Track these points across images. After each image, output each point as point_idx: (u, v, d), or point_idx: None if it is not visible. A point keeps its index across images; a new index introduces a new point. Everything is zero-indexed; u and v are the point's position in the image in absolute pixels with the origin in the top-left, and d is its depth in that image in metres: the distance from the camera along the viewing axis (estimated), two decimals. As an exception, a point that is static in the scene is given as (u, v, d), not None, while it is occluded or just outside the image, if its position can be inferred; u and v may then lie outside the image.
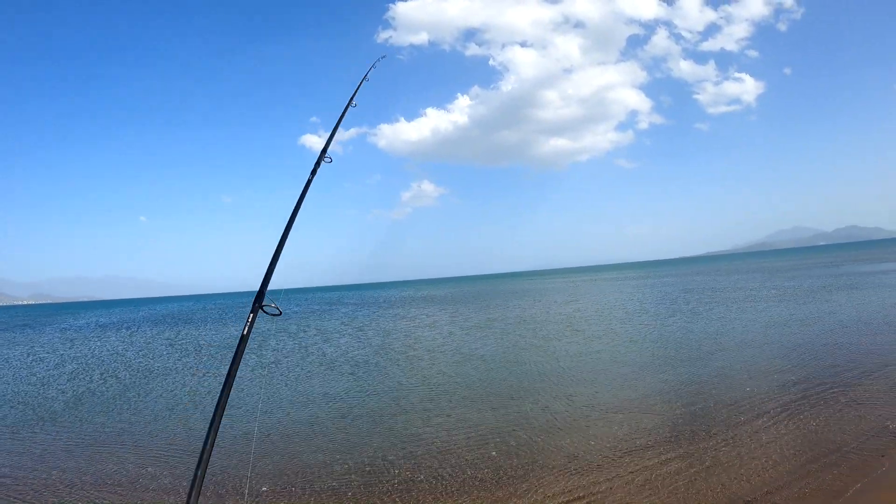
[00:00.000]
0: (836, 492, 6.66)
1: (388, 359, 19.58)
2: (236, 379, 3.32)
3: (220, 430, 3.21)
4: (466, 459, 8.73)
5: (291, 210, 4.11)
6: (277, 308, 3.51)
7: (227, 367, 3.25)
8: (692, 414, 10.30)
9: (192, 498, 2.99)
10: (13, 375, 21.30)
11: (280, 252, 3.77)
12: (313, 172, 4.44)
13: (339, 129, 4.95)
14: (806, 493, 6.68)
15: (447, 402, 12.77)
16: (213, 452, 3.11)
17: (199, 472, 3.03)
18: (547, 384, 13.81)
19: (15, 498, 8.40)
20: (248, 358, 21.67)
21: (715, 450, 8.31)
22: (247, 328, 3.38)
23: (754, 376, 12.89)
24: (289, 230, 3.92)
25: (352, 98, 5.43)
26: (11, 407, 15.28)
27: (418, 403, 12.76)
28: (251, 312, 3.45)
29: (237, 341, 3.32)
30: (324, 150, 4.57)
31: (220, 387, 3.21)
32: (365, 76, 5.91)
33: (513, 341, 22.20)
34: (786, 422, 9.33)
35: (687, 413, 10.39)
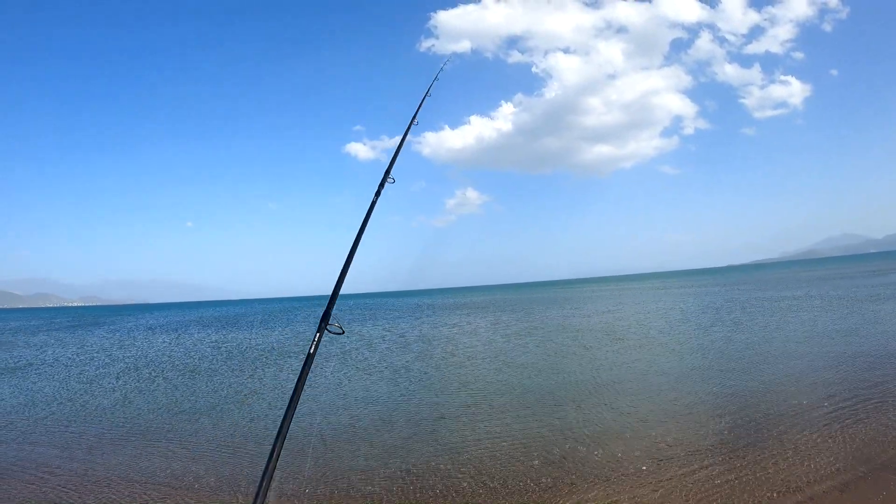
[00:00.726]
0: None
1: (431, 365, 19.83)
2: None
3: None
4: (510, 467, 8.84)
5: (357, 231, 4.14)
6: (341, 328, 3.64)
7: (294, 383, 3.36)
8: (736, 425, 10.19)
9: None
10: (65, 374, 22.22)
11: (346, 273, 3.86)
12: (377, 194, 4.43)
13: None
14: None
15: (490, 409, 12.88)
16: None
17: (264, 481, 3.05)
18: (589, 393, 13.81)
19: (64, 488, 8.85)
20: (294, 363, 22.11)
21: (759, 462, 8.22)
22: (313, 347, 3.50)
23: (801, 388, 12.66)
24: (354, 250, 3.97)
25: (414, 116, 5.38)
26: (61, 403, 16.06)
27: (462, 410, 12.91)
28: (317, 332, 3.57)
29: (303, 357, 3.44)
30: (387, 171, 4.57)
31: (287, 402, 3.31)
32: (427, 92, 5.83)
33: (554, 349, 22.18)
34: (833, 435, 9.15)
35: (731, 424, 10.28)
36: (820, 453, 8.40)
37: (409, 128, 5.25)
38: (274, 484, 8.86)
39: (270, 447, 3.16)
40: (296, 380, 3.39)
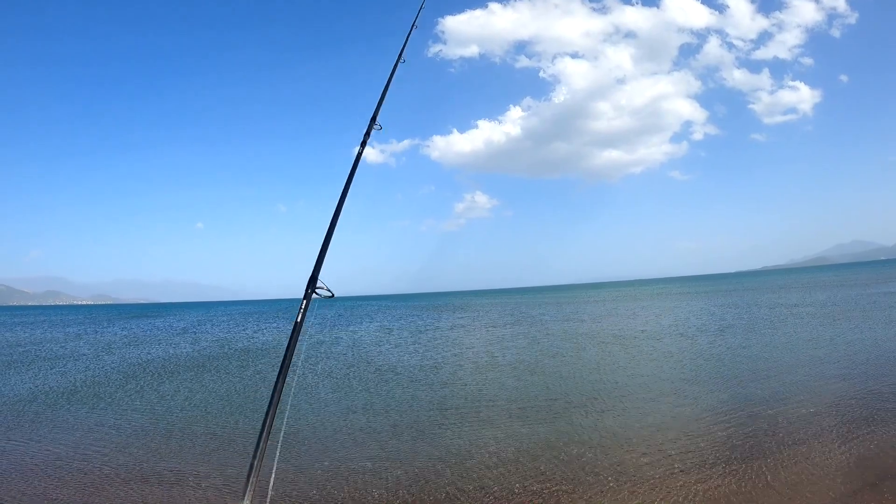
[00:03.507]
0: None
1: (439, 369, 19.73)
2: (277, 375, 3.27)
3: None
4: (516, 472, 8.76)
5: (340, 193, 3.95)
6: (329, 290, 3.41)
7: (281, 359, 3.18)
8: (746, 433, 10.05)
9: (248, 491, 2.94)
10: (84, 366, 22.09)
11: (332, 234, 3.65)
12: (363, 143, 4.25)
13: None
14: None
15: (497, 413, 12.81)
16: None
17: (255, 463, 2.98)
18: (597, 398, 13.68)
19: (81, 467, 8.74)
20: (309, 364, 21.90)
21: (768, 470, 8.12)
22: (300, 315, 3.30)
23: (811, 397, 12.52)
24: (341, 207, 3.76)
25: (401, 53, 5.06)
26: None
27: (468, 414, 12.84)
28: (304, 299, 3.35)
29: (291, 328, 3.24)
30: (373, 117, 4.38)
31: (275, 378, 3.14)
32: (414, 24, 5.47)
33: (563, 354, 22.05)
34: (842, 444, 9.03)
35: (740, 432, 10.14)
36: (828, 462, 8.29)
37: (395, 66, 4.93)
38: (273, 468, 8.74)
39: (261, 424, 3.01)
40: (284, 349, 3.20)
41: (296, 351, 3.25)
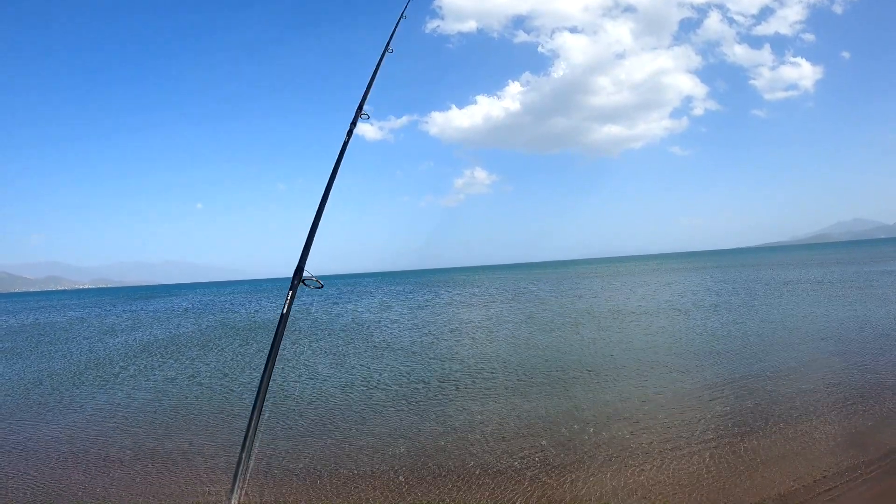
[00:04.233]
0: (884, 493, 6.49)
1: (441, 344, 19.89)
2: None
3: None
4: (517, 448, 8.85)
5: (327, 181, 3.86)
6: (318, 281, 3.39)
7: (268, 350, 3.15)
8: (744, 409, 10.14)
9: (238, 482, 2.87)
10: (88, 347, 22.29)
11: (317, 224, 3.59)
12: (349, 133, 4.17)
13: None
14: (857, 494, 6.54)
15: (498, 387, 12.95)
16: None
17: (243, 455, 2.89)
18: (598, 374, 13.79)
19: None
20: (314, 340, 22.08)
21: (766, 446, 8.21)
22: (286, 306, 3.24)
23: (809, 373, 12.62)
24: (325, 200, 3.67)
25: (388, 43, 4.96)
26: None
27: (470, 389, 12.96)
28: (290, 290, 3.32)
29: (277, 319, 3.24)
30: (360, 106, 4.32)
31: (262, 368, 3.11)
32: (402, 13, 5.38)
33: (564, 329, 22.17)
34: (840, 420, 9.14)
35: (739, 408, 10.23)
36: (825, 437, 8.40)
37: (382, 56, 4.85)
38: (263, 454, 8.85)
39: (249, 413, 3.00)
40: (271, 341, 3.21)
41: (287, 338, 3.24)
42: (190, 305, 58.72)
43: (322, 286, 3.35)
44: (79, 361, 20.79)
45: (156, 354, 21.65)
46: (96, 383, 16.25)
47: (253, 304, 54.45)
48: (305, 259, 3.37)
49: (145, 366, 18.97)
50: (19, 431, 11.54)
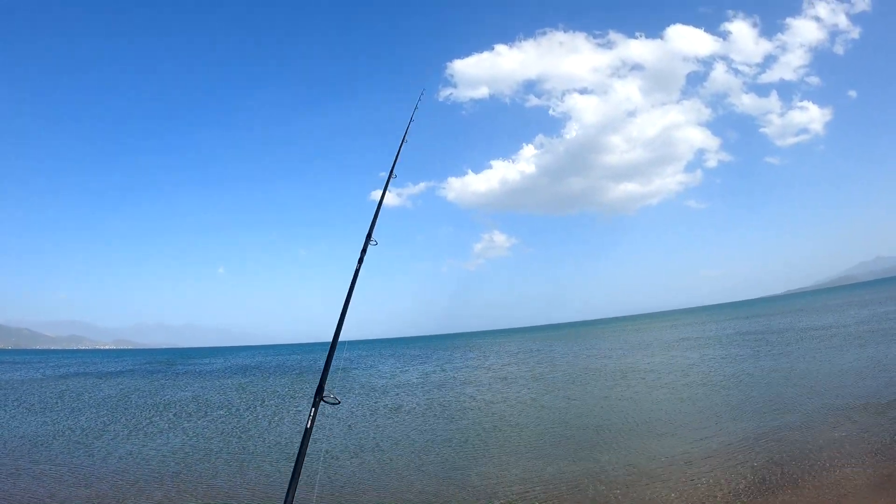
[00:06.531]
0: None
1: (463, 407, 19.79)
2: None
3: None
4: None
5: (344, 298, 4.04)
6: (336, 398, 3.53)
7: (294, 460, 3.25)
8: (775, 463, 9.93)
9: None
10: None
11: (335, 346, 3.77)
12: (360, 261, 4.34)
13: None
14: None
15: (523, 452, 12.75)
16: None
17: None
18: (624, 435, 13.60)
19: None
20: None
21: (799, 498, 8.09)
22: (310, 422, 3.41)
23: (838, 422, 12.31)
24: (343, 317, 3.90)
25: (392, 169, 5.19)
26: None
27: (493, 454, 12.83)
28: (312, 406, 3.46)
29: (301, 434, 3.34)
30: (369, 234, 4.50)
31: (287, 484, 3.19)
32: (403, 139, 5.67)
33: (588, 391, 21.93)
34: (871, 471, 8.91)
35: (770, 462, 10.01)
36: (858, 491, 8.19)
37: (387, 183, 5.08)
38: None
39: None
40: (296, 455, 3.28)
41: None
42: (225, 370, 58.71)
43: (339, 403, 3.50)
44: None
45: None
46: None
47: (279, 378, 54.39)
48: (325, 377, 3.52)
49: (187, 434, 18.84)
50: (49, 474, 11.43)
